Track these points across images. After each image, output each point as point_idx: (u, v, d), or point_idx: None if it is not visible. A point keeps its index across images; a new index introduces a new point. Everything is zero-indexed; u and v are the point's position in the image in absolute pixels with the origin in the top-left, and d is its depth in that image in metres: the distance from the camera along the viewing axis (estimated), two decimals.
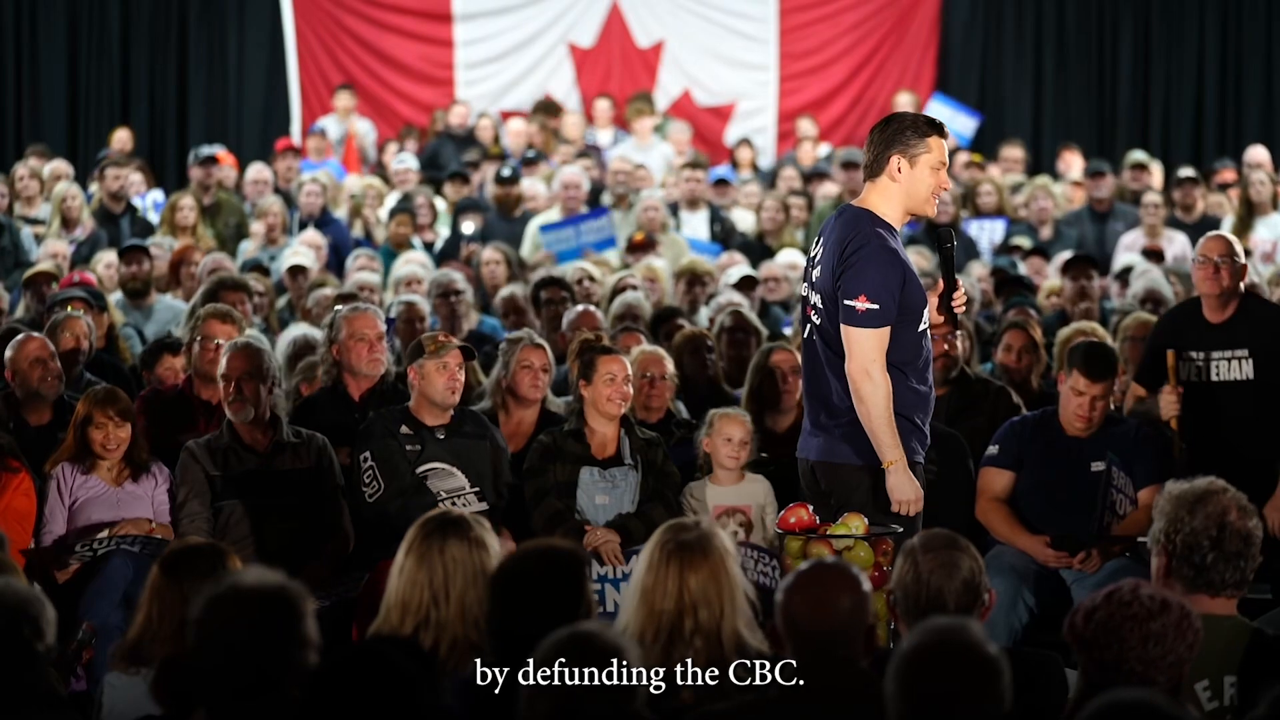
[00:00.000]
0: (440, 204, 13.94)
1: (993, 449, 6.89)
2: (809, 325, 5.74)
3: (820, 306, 5.65)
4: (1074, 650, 3.86)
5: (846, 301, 5.52)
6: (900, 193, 5.66)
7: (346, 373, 7.28)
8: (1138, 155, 14.76)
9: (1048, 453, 6.79)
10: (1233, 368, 6.81)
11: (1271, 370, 6.83)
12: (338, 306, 7.78)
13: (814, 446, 5.74)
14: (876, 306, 5.49)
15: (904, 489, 5.53)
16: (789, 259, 11.64)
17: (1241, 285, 6.90)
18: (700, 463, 7.04)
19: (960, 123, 16.49)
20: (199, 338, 7.42)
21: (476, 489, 6.78)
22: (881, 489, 5.57)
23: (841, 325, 5.55)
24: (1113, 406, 7.01)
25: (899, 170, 5.64)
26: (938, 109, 16.41)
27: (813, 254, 5.76)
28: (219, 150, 14.60)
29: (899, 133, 5.66)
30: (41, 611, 3.83)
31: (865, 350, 5.50)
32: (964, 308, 5.93)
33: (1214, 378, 6.85)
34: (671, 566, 4.29)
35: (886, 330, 5.52)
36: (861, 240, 5.55)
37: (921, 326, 5.66)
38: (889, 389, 5.51)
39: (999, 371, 8.20)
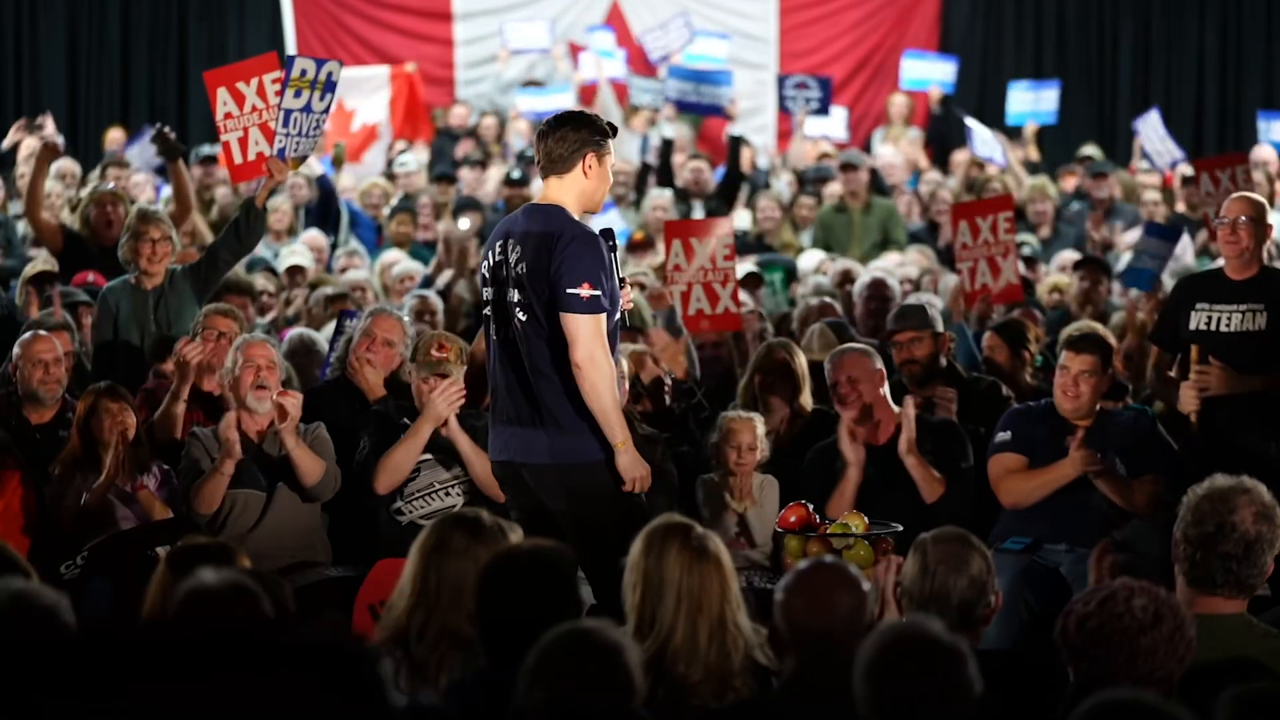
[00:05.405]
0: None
1: (1004, 435, 6.87)
2: (508, 326, 5.74)
3: (528, 302, 5.67)
4: (1062, 653, 3.84)
5: (569, 290, 5.59)
6: (587, 189, 5.78)
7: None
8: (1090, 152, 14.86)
9: (1050, 441, 6.82)
10: (1245, 319, 6.71)
11: None
12: (369, 309, 7.76)
13: (536, 448, 5.72)
14: (598, 293, 5.60)
15: (636, 467, 5.67)
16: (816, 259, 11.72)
17: (1265, 248, 6.75)
18: (710, 459, 7.02)
19: (940, 70, 16.48)
20: (201, 332, 7.34)
21: (465, 480, 6.77)
22: (606, 480, 5.64)
23: (564, 314, 5.60)
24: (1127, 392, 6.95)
25: (590, 167, 5.75)
26: (912, 65, 16.46)
27: (503, 256, 5.76)
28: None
29: (591, 132, 5.76)
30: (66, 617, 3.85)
31: (590, 336, 5.59)
32: (631, 306, 6.00)
33: (1224, 328, 6.75)
34: (664, 563, 4.29)
35: (605, 315, 5.62)
36: (572, 231, 5.66)
37: (617, 315, 5.78)
38: (614, 372, 5.64)
39: (984, 367, 8.18)
